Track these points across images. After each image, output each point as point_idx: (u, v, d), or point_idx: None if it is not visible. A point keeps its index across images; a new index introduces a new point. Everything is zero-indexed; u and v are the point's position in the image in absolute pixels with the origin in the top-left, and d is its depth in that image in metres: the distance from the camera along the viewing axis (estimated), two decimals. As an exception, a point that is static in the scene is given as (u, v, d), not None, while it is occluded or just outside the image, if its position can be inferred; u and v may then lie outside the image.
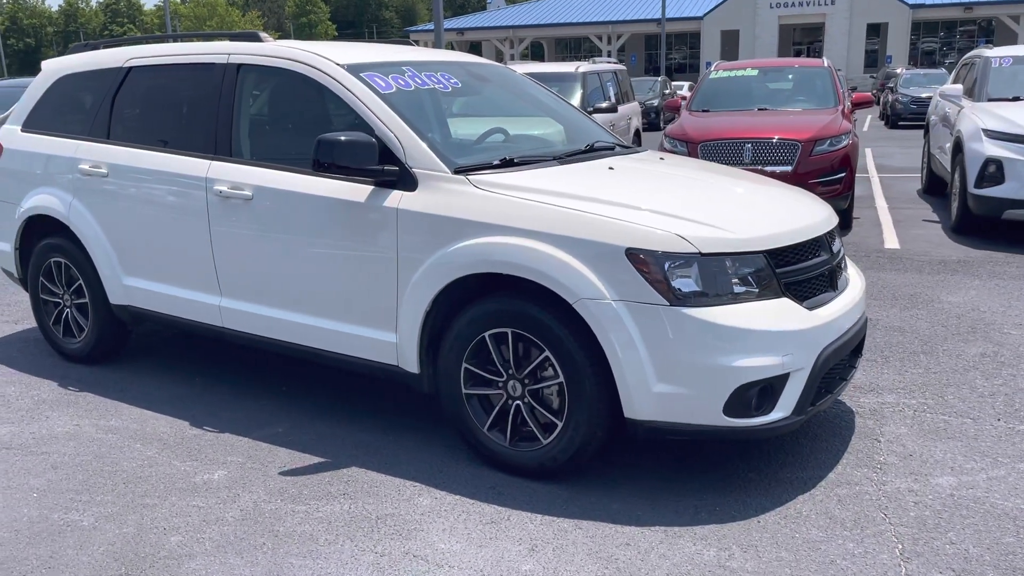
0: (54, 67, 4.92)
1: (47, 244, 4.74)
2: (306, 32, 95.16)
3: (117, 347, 4.82)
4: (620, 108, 11.10)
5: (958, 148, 7.80)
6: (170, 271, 4.22)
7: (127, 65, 4.48)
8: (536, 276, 3.07)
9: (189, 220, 4.05)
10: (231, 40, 4.27)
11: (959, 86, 9.11)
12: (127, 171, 4.30)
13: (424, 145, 3.48)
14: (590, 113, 8.93)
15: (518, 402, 3.27)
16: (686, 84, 29.79)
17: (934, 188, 9.92)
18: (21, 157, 4.83)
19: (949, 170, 8.31)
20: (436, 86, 4.08)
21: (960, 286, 6.02)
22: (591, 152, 4.04)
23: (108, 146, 4.43)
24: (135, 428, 3.91)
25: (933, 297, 5.76)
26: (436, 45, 15.81)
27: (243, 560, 2.81)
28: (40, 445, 3.76)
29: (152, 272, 4.31)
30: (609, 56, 45.94)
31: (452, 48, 35.21)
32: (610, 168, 3.74)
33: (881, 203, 9.71)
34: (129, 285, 4.40)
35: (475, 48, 52.94)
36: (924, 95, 20.31)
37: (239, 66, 4.01)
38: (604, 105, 10.02)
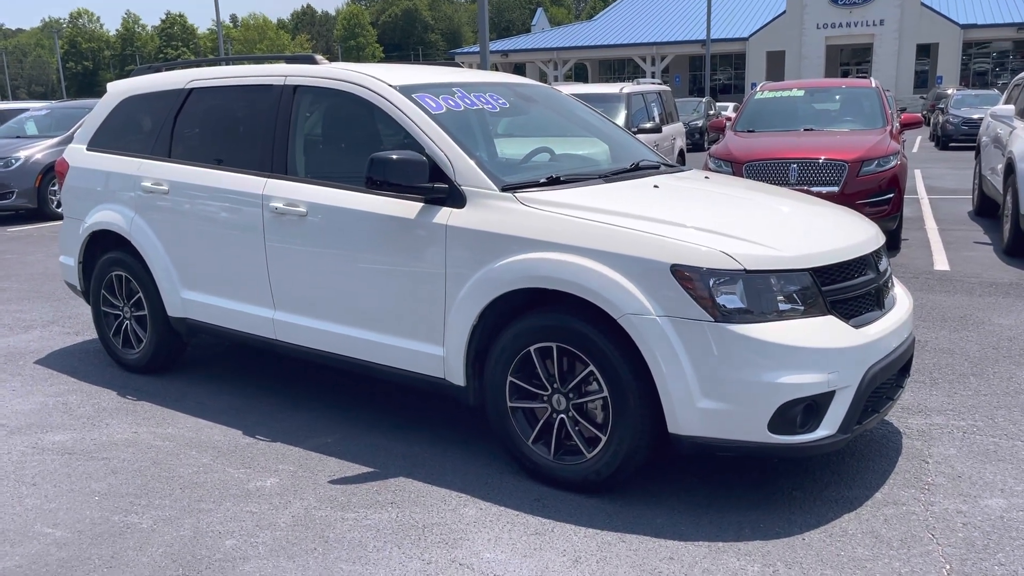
0: (119, 89, 5.13)
1: (109, 258, 4.93)
2: (354, 55, 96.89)
3: (173, 358, 4.98)
4: (664, 128, 11.15)
5: (1010, 169, 7.68)
6: (226, 285, 4.37)
7: (188, 87, 4.66)
8: (581, 291, 3.13)
9: (245, 235, 4.19)
10: (288, 63, 4.42)
11: (1011, 107, 8.97)
12: (186, 188, 4.46)
13: (472, 163, 3.56)
14: (634, 133, 8.98)
15: (562, 416, 3.31)
16: (731, 105, 29.71)
17: (986, 210, 9.77)
18: (86, 175, 5.04)
19: (1001, 191, 8.18)
20: (484, 106, 4.18)
21: (1011, 308, 5.92)
22: (636, 171, 4.09)
23: (169, 164, 4.60)
24: (190, 436, 4.04)
25: (984, 319, 5.67)
26: (481, 67, 16.04)
27: (295, 564, 2.89)
28: (101, 451, 3.90)
29: (209, 285, 4.45)
30: (653, 77, 45.97)
31: (497, 70, 35.53)
32: (655, 186, 3.78)
33: (931, 224, 9.58)
34: (186, 298, 4.55)
35: (519, 70, 53.38)
36: (975, 116, 19.96)
37: (296, 87, 4.15)
38: (648, 125, 10.08)
